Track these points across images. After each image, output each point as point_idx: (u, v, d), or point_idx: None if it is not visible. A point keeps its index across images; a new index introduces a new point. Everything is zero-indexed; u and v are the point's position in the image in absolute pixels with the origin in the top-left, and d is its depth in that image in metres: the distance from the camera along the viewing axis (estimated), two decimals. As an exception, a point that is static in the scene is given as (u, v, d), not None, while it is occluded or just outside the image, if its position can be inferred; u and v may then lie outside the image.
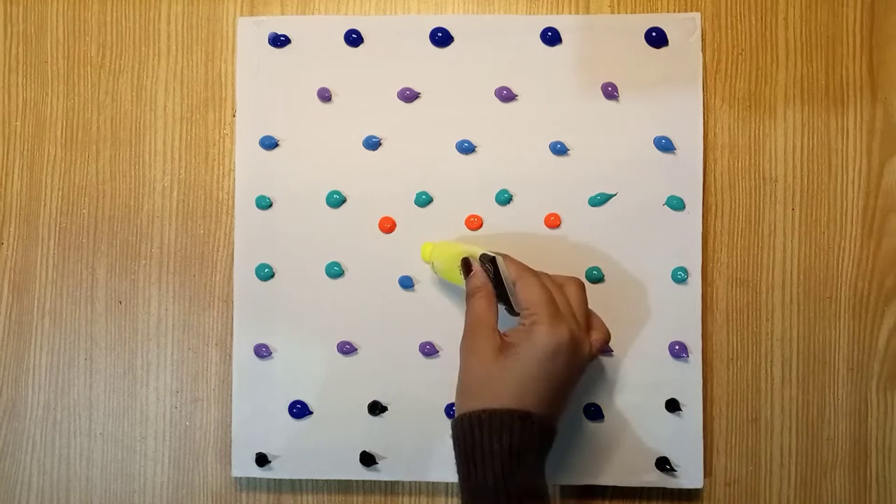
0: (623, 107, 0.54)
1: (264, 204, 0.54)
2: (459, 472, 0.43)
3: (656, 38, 0.53)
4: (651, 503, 0.54)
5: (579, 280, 0.47)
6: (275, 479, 0.55)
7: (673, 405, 0.53)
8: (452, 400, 0.53)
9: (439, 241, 0.53)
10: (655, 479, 0.52)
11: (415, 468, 0.53)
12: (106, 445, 0.55)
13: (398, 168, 0.54)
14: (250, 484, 0.55)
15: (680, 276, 0.53)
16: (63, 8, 0.57)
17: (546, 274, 0.47)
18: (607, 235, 0.53)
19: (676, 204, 0.53)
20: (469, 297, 0.47)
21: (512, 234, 0.54)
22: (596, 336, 0.46)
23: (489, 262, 0.47)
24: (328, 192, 0.54)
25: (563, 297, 0.46)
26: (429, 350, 0.53)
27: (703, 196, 0.53)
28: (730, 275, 0.54)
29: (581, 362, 0.45)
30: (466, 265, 0.48)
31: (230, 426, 0.54)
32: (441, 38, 0.54)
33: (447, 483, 0.54)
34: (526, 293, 0.45)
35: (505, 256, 0.48)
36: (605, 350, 0.53)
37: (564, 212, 0.54)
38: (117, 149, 0.56)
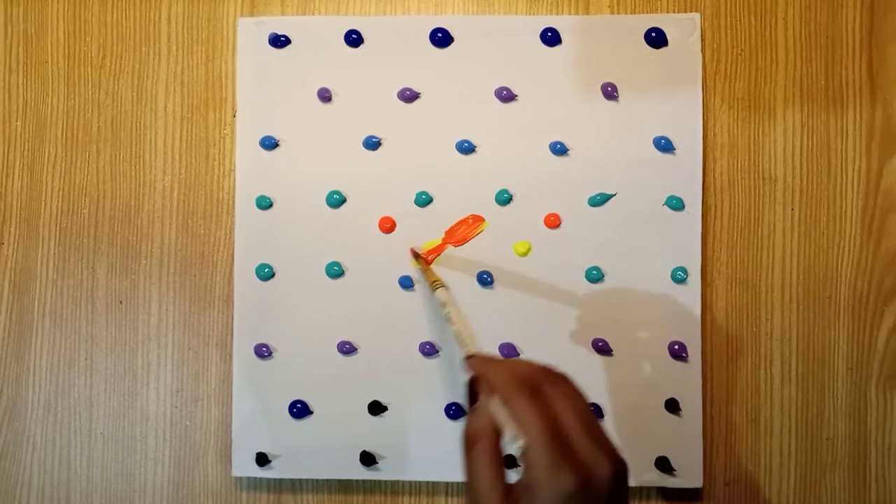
0: (623, 107, 0.54)
1: (264, 204, 0.54)
2: None
3: (656, 39, 0.53)
4: (651, 503, 0.54)
5: (567, 378, 0.37)
6: (275, 479, 0.55)
7: (672, 405, 0.53)
8: (453, 400, 0.53)
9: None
10: (655, 478, 0.53)
11: (415, 468, 0.53)
12: (106, 445, 0.55)
13: (398, 168, 0.54)
14: (250, 484, 0.55)
15: (679, 276, 0.53)
16: (63, 8, 0.57)
17: (529, 368, 0.37)
18: (607, 235, 0.53)
19: (676, 204, 0.53)
20: (469, 444, 0.36)
21: (512, 234, 0.54)
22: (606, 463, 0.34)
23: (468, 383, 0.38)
24: (328, 192, 0.54)
25: (563, 409, 0.35)
26: (429, 350, 0.54)
27: (703, 196, 0.53)
28: (729, 275, 0.54)
29: (602, 499, 0.34)
30: (472, 390, 0.38)
31: (230, 426, 0.54)
32: (441, 38, 0.54)
33: (447, 483, 0.54)
34: (520, 426, 0.34)
35: (475, 359, 0.39)
36: (605, 350, 0.53)
37: (564, 212, 0.54)
38: (118, 149, 0.56)
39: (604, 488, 0.34)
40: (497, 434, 0.36)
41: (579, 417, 0.35)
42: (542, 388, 0.36)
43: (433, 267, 0.53)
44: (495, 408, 0.36)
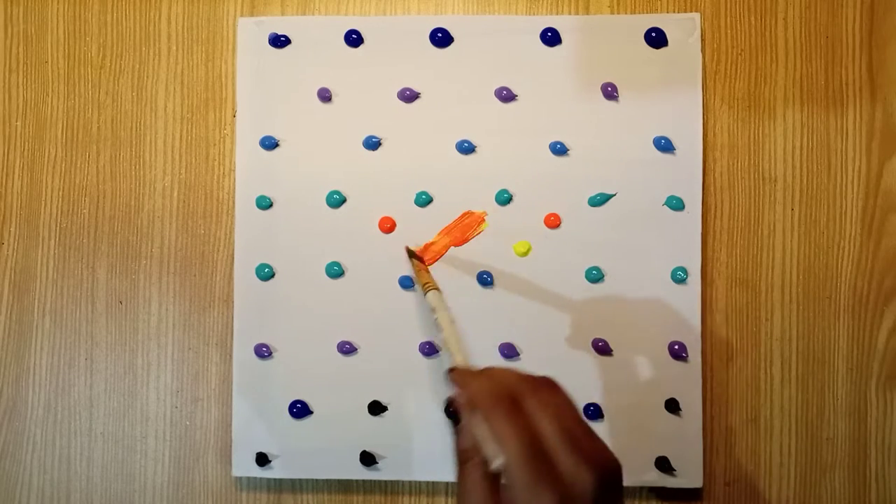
0: (623, 107, 0.54)
1: (264, 204, 0.54)
2: None
3: (656, 39, 0.53)
4: (650, 503, 0.54)
5: (551, 383, 0.36)
6: (275, 479, 0.55)
7: (672, 405, 0.53)
8: (452, 400, 0.53)
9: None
10: (655, 478, 0.53)
11: (415, 468, 0.53)
12: (106, 445, 0.55)
13: (398, 168, 0.54)
14: (250, 483, 0.55)
15: (679, 276, 0.53)
16: (63, 8, 0.57)
17: (509, 377, 0.36)
18: (607, 235, 0.53)
19: (676, 204, 0.53)
20: (459, 462, 0.36)
21: (512, 234, 0.54)
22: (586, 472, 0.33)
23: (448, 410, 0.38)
24: (328, 192, 0.54)
25: (543, 420, 0.34)
26: (429, 350, 0.54)
27: (703, 196, 0.54)
28: (729, 275, 0.54)
29: None
30: (455, 411, 0.37)
31: (230, 426, 0.54)
32: (441, 38, 0.54)
33: (447, 483, 0.54)
34: (498, 444, 0.33)
35: (456, 373, 0.38)
36: (605, 350, 0.53)
37: (564, 212, 0.54)
38: (118, 149, 0.56)
39: (587, 500, 0.33)
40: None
41: (560, 428, 0.34)
42: (523, 399, 0.35)
43: (432, 268, 0.53)
44: (476, 424, 0.35)
